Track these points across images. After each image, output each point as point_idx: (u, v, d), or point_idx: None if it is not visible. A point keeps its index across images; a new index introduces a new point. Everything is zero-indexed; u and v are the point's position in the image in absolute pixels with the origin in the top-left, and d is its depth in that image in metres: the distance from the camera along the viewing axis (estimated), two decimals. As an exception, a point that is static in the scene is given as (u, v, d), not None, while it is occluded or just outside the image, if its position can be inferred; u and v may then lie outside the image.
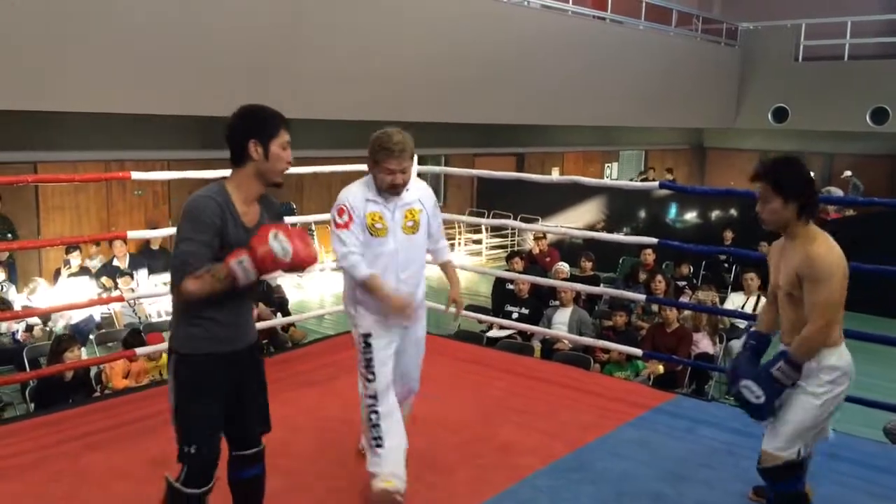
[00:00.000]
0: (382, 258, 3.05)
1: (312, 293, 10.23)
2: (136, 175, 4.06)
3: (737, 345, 7.30)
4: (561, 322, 6.98)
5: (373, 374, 3.04)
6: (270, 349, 5.80)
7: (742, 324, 7.64)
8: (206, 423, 2.39)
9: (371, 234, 3.04)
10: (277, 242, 2.23)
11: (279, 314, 7.24)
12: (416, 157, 3.27)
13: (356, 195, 3.08)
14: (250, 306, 2.56)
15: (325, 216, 3.43)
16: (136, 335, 5.95)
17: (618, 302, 7.36)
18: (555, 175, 14.44)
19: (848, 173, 15.82)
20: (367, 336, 3.07)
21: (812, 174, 2.75)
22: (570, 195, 13.46)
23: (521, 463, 3.46)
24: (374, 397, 3.03)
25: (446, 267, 3.38)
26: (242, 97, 9.06)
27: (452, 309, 3.30)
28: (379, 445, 3.00)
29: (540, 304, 7.46)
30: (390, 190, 3.05)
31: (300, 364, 4.82)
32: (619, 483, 3.33)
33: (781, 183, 2.67)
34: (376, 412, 3.02)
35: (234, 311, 2.41)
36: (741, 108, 17.78)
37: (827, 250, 2.63)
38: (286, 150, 2.41)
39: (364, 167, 3.16)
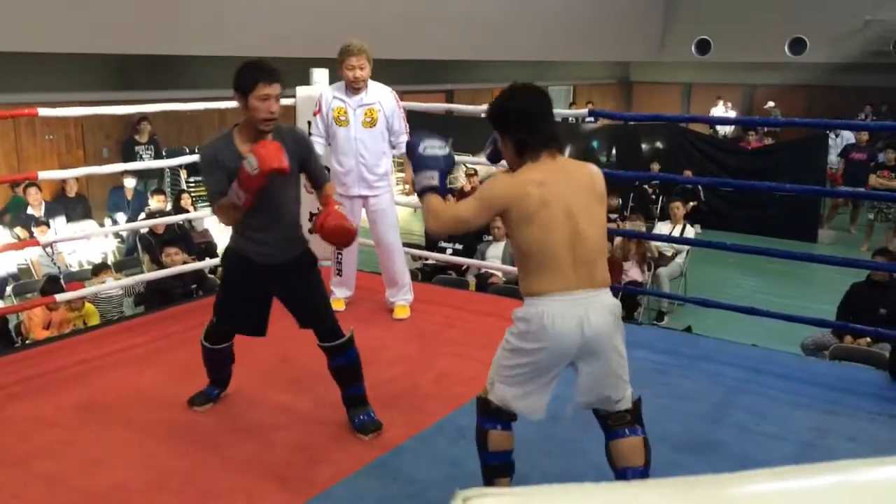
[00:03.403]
0: (348, 142, 4.18)
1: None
2: (44, 112, 3.82)
3: (664, 272, 7.52)
4: (494, 256, 7.03)
5: None
6: (199, 293, 5.66)
7: (669, 251, 7.85)
8: (223, 304, 3.09)
9: (336, 125, 4.18)
10: (246, 161, 2.64)
11: (207, 258, 7.06)
12: (371, 61, 4.14)
13: (327, 92, 4.23)
14: (287, 233, 2.97)
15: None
16: (54, 282, 5.72)
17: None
18: (484, 107, 14.43)
19: (771, 104, 16.22)
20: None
21: (530, 105, 2.33)
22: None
23: (457, 392, 3.48)
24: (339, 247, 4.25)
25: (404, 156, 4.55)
26: (155, 33, 8.62)
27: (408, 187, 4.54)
28: (339, 273, 4.51)
29: (473, 239, 7.47)
30: (353, 85, 4.11)
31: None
32: (553, 404, 3.40)
33: (491, 117, 2.39)
34: (340, 251, 4.41)
35: (268, 234, 2.90)
36: (666, 40, 17.95)
37: (498, 179, 2.35)
38: (265, 103, 2.76)
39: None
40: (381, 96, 4.23)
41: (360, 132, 4.18)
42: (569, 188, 2.28)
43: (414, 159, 2.49)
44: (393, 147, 4.37)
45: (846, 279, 5.71)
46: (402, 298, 4.50)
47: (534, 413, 2.38)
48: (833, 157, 11.68)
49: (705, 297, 4.97)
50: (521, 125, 2.31)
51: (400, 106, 4.33)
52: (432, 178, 2.44)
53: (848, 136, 11.99)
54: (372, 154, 4.23)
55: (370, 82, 4.21)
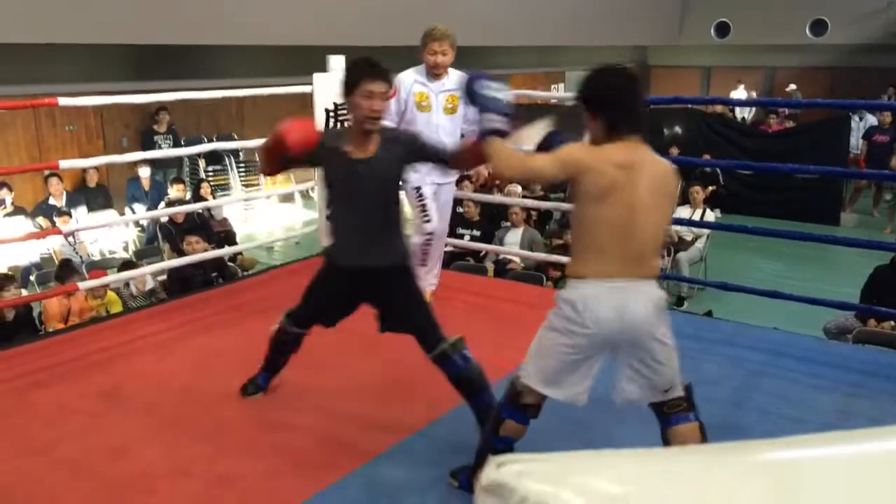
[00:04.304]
0: (428, 127, 3.98)
1: (261, 226, 10.03)
2: (64, 101, 3.84)
3: (684, 257, 7.46)
4: (512, 242, 7.01)
5: (427, 216, 4.10)
6: (219, 281, 5.69)
7: (688, 236, 7.79)
8: (305, 298, 3.04)
9: (417, 110, 4.07)
10: (280, 126, 2.65)
11: (226, 247, 7.10)
12: (455, 47, 4.08)
13: (408, 76, 4.11)
14: (374, 238, 2.81)
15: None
16: (66, 267, 5.72)
17: (568, 221, 7.40)
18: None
19: (792, 87, 16.01)
20: (418, 188, 4.10)
21: (624, 85, 2.30)
22: (518, 117, 13.36)
23: (477, 377, 3.48)
24: (430, 233, 4.13)
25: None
26: (172, 23, 8.60)
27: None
28: (424, 264, 4.20)
29: (491, 226, 7.46)
30: (433, 70, 4.04)
31: (253, 292, 4.74)
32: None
33: (582, 96, 2.32)
34: (430, 243, 4.16)
35: (353, 234, 2.82)
36: (684, 23, 17.75)
37: (582, 145, 2.35)
38: (368, 100, 2.63)
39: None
40: (461, 83, 4.19)
41: (442, 118, 4.12)
42: (643, 179, 2.22)
43: (476, 100, 2.38)
44: (462, 135, 4.30)
45: (870, 262, 5.63)
46: (429, 283, 4.49)
47: (575, 400, 2.34)
48: (854, 141, 11.48)
49: (726, 282, 4.93)
50: (616, 105, 2.26)
51: None
52: (497, 120, 2.35)
53: (871, 119, 11.81)
54: (451, 140, 4.10)
55: (450, 69, 4.15)
